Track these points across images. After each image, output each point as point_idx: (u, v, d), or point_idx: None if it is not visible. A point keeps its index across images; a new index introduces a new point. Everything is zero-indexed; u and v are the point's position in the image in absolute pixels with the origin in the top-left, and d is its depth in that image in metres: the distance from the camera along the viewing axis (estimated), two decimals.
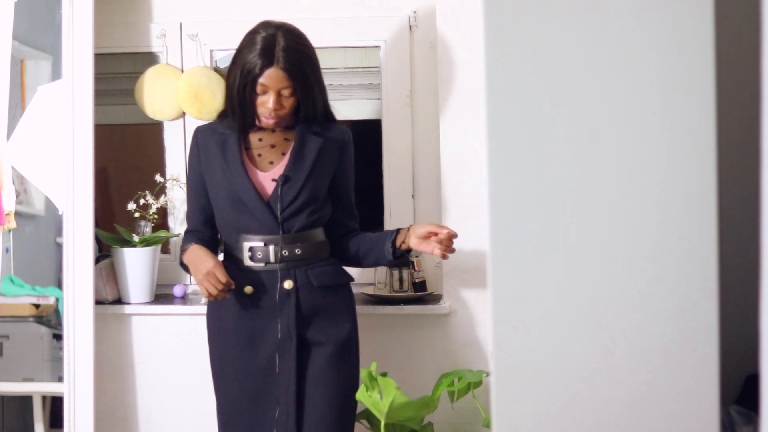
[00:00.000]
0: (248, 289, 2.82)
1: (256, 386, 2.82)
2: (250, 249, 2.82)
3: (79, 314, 3.23)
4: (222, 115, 2.93)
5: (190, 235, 2.93)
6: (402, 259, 2.99)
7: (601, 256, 1.65)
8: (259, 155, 2.87)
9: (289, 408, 2.79)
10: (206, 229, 2.94)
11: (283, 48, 2.76)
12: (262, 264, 2.82)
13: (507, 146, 1.64)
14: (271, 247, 2.81)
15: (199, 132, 2.94)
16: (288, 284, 2.81)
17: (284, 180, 2.81)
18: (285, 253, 2.81)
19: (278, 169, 2.85)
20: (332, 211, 2.94)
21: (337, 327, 2.85)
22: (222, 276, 2.74)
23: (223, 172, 2.84)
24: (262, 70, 2.76)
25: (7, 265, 3.33)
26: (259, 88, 2.78)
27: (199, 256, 2.79)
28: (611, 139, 1.63)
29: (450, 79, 3.25)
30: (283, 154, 2.87)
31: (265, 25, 2.81)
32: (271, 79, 2.76)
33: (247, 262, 2.83)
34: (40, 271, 3.44)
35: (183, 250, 2.90)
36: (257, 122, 2.86)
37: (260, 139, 2.88)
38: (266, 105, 2.78)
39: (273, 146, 2.88)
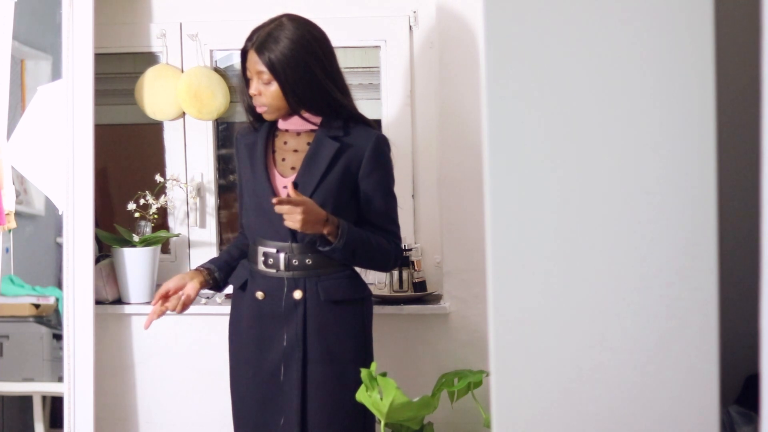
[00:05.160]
0: (259, 294, 2.78)
1: (263, 391, 2.78)
2: (264, 254, 2.78)
3: (79, 314, 3.23)
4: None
5: (233, 242, 3.01)
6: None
7: (601, 256, 1.65)
8: (283, 159, 2.80)
9: (293, 420, 2.74)
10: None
11: (266, 31, 2.69)
12: (274, 270, 2.77)
13: (507, 146, 1.64)
14: (282, 255, 2.75)
15: (239, 134, 2.92)
16: (297, 294, 2.74)
17: (294, 187, 2.70)
18: (295, 262, 2.75)
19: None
20: (358, 218, 2.79)
21: (344, 346, 2.78)
22: (154, 299, 2.85)
23: (249, 175, 2.80)
24: (244, 52, 2.74)
25: (7, 265, 3.33)
26: (246, 73, 2.76)
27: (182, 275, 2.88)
28: (611, 139, 1.63)
29: (450, 79, 3.25)
30: None
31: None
32: (249, 62, 2.72)
33: (261, 267, 2.78)
34: (40, 271, 3.44)
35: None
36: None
37: (285, 142, 2.81)
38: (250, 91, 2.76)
39: (296, 151, 2.79)
